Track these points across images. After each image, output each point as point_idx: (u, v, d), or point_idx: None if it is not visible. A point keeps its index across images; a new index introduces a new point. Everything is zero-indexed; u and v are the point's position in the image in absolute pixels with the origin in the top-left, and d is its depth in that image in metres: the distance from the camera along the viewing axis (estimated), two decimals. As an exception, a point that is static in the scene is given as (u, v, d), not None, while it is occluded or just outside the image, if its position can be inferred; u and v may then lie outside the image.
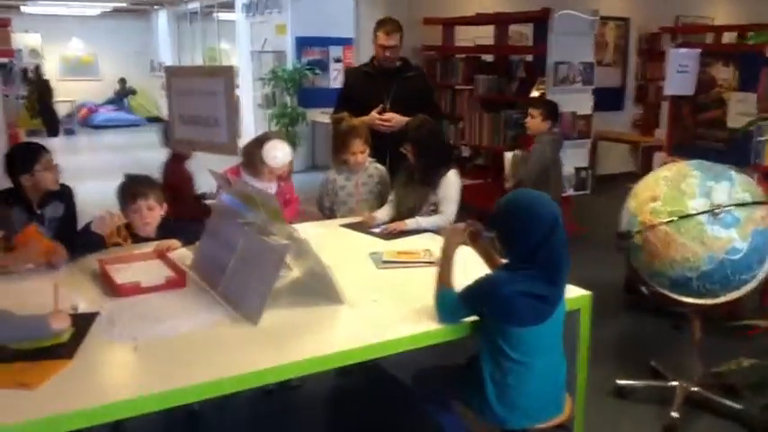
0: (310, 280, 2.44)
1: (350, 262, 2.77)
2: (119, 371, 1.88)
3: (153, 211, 2.96)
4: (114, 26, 17.05)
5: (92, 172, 9.66)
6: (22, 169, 2.81)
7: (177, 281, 2.48)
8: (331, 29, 9.89)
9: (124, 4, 15.21)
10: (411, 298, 2.36)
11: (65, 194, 2.99)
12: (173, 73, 3.17)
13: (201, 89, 2.79)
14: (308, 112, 9.95)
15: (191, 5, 13.95)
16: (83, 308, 2.25)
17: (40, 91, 13.87)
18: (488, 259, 2.32)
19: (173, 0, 14.69)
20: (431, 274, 2.60)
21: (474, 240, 2.31)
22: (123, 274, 2.51)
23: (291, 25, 10.10)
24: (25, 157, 2.83)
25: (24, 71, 13.30)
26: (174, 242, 2.89)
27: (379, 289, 2.49)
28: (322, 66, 10.37)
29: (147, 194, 2.93)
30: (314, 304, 2.30)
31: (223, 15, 13.23)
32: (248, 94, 10.85)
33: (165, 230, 3.00)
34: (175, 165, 3.67)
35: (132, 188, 2.95)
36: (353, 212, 3.54)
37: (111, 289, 2.41)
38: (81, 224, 3.04)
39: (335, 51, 10.35)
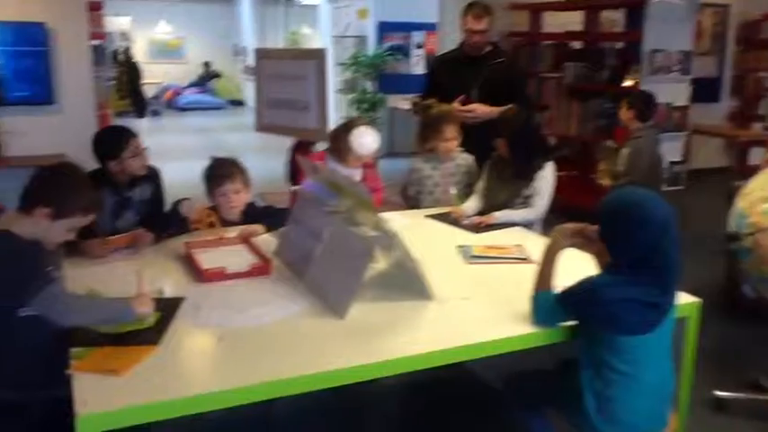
0: (397, 273, 2.35)
1: (437, 255, 2.66)
2: (204, 361, 1.84)
3: (239, 195, 2.93)
4: (200, 10, 17.41)
5: (177, 152, 9.88)
6: (110, 155, 2.81)
7: (262, 268, 2.44)
8: (414, 14, 9.75)
9: (210, -12, 15.49)
10: (502, 296, 2.24)
11: (152, 177, 2.98)
12: (263, 55, 3.11)
13: (292, 72, 2.72)
14: (388, 97, 9.87)
15: (274, -10, 14.06)
16: (168, 292, 2.23)
17: (129, 73, 14.29)
18: (603, 264, 2.09)
19: (257, -16, 14.84)
20: (522, 271, 2.48)
21: (587, 243, 2.10)
22: (209, 259, 2.48)
23: (374, 10, 10.02)
24: (113, 142, 2.82)
25: (114, 53, 13.71)
26: (259, 227, 2.86)
27: (469, 285, 2.38)
28: (403, 51, 10.26)
29: (234, 177, 2.91)
30: (401, 299, 2.21)
31: (305, 0, 13.27)
32: (329, 78, 10.85)
33: (249, 215, 2.98)
34: (301, 150, 3.62)
35: (219, 171, 2.93)
36: (439, 203, 3.42)
37: (197, 274, 2.39)
38: (167, 204, 3.04)
39: (417, 37, 10.21)
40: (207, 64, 17.32)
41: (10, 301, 1.81)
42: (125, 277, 2.24)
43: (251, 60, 15.91)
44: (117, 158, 2.79)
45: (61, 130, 5.69)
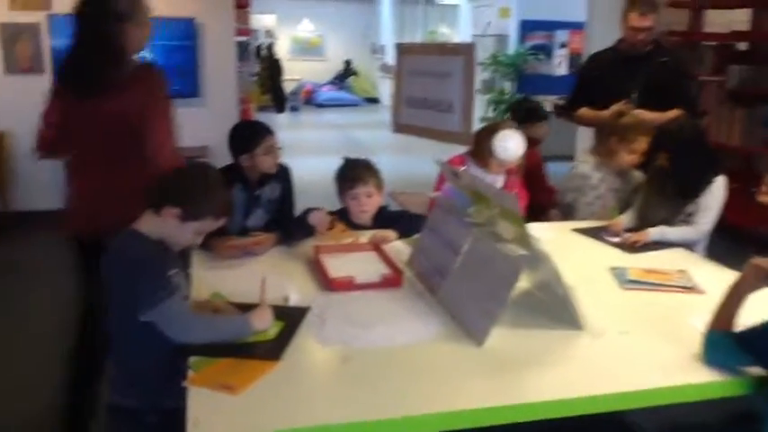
0: (542, 296, 2.09)
1: (586, 276, 2.35)
2: (325, 385, 1.65)
3: (371, 199, 2.77)
4: (341, 9, 17.68)
5: (313, 148, 10.00)
6: (243, 149, 2.73)
7: (393, 279, 2.25)
8: (558, 11, 9.33)
9: (352, -13, 15.68)
10: (667, 332, 1.92)
11: (283, 175, 2.88)
12: (405, 50, 2.90)
13: (436, 69, 2.50)
14: (528, 99, 9.50)
15: (415, -11, 14.01)
16: (294, 300, 2.09)
17: (271, 69, 14.71)
18: None
19: (398, -17, 14.85)
20: (688, 303, 2.17)
21: None
22: (337, 266, 2.33)
23: (516, 8, 9.68)
24: (248, 137, 2.74)
25: (258, 49, 14.15)
26: (391, 234, 2.69)
27: (626, 316, 2.07)
28: (546, 51, 9.85)
29: (367, 180, 2.75)
30: (546, 327, 1.95)
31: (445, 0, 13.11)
32: (476, 77, 10.64)
33: (381, 220, 2.81)
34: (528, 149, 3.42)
35: (351, 173, 2.78)
36: (594, 216, 3.09)
37: (324, 282, 2.24)
38: (299, 200, 2.94)
39: (561, 36, 9.75)
40: (348, 62, 17.56)
41: (129, 304, 1.72)
42: (250, 280, 2.13)
43: (388, 59, 15.95)
44: (249, 153, 2.71)
45: (204, 124, 5.83)
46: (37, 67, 5.96)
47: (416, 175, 7.52)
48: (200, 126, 5.81)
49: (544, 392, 1.59)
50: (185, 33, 5.95)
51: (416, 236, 2.65)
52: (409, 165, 8.78)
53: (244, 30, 7.85)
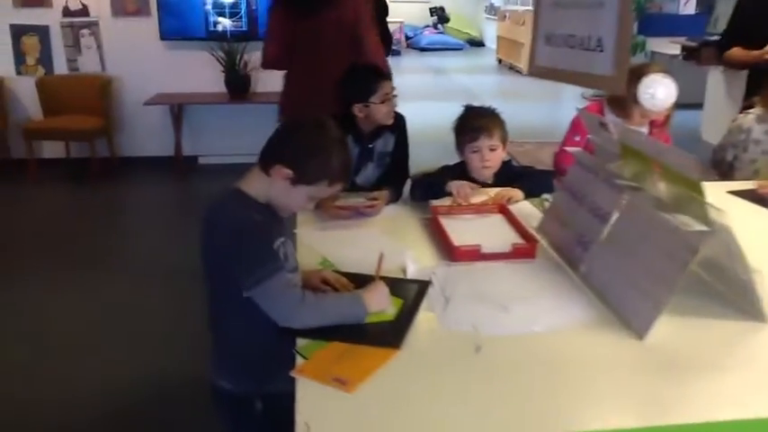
0: (707, 277, 1.74)
1: (754, 252, 1.96)
2: (456, 385, 1.35)
3: (495, 152, 2.46)
4: (447, -54, 16.98)
5: (417, 94, 9.65)
6: (357, 97, 2.46)
7: (526, 250, 1.95)
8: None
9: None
10: None
11: (398, 126, 2.59)
12: (547, -25, 2.50)
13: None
14: (649, 40, 8.77)
15: None
16: (411, 271, 1.84)
17: (377, 9, 14.31)
18: None
19: None
20: None
21: None
22: (459, 231, 2.05)
23: (642, -60, 8.87)
24: (362, 83, 2.47)
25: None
26: (517, 193, 2.38)
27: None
28: (673, -13, 9.03)
29: (492, 132, 2.43)
30: (716, 316, 1.61)
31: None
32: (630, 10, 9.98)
33: (503, 176, 2.50)
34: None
35: (475, 122, 2.46)
36: (757, 176, 2.66)
37: (446, 250, 1.96)
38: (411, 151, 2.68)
39: (691, -29, 8.89)
40: (441, 9, 16.90)
41: (229, 276, 1.51)
42: (361, 245, 1.95)
43: (496, -1, 15.25)
44: (364, 102, 2.45)
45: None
46: (144, 9, 5.90)
47: (527, 124, 7.11)
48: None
49: (721, 408, 1.26)
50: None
51: (546, 196, 2.35)
52: (518, 112, 8.33)
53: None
